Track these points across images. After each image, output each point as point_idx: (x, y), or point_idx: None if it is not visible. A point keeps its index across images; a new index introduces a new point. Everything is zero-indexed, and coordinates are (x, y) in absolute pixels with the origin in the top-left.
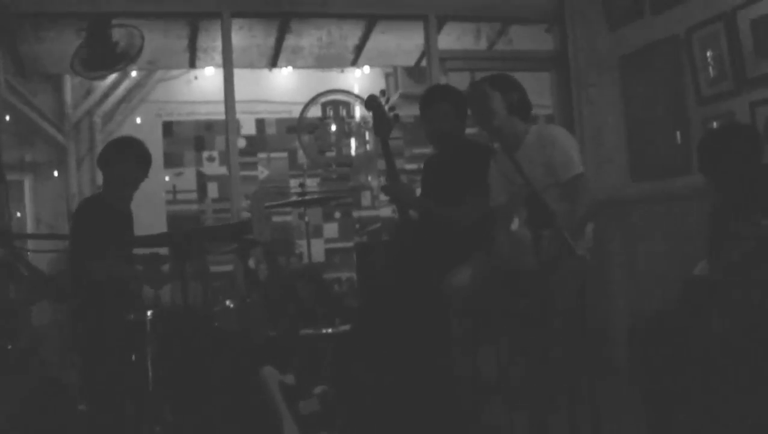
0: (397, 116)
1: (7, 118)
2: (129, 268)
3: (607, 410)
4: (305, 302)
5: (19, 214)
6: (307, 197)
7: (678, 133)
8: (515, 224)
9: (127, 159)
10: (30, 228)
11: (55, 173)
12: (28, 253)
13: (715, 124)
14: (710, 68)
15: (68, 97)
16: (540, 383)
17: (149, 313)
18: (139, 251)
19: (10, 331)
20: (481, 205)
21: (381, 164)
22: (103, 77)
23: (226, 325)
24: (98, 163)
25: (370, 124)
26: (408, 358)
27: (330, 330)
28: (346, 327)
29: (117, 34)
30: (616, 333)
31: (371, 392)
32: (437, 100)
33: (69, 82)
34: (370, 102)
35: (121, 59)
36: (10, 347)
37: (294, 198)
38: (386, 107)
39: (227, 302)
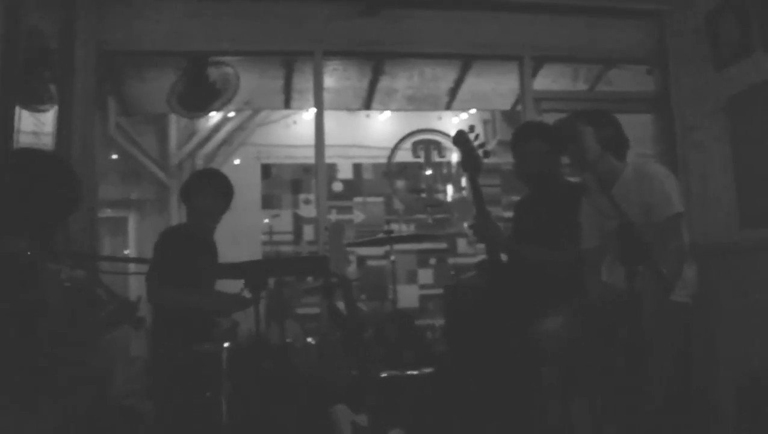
0: (487, 153)
1: (115, 156)
2: (200, 297)
3: None
4: (392, 345)
5: (127, 251)
6: (392, 235)
7: None
8: (606, 272)
9: (208, 191)
10: (133, 265)
11: (158, 211)
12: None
13: None
14: None
15: (172, 138)
16: None
17: (225, 345)
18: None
19: (84, 356)
20: (575, 248)
21: None
22: (199, 116)
23: (304, 361)
24: (181, 194)
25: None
26: (492, 405)
27: (412, 372)
28: (429, 370)
29: (213, 74)
30: (722, 390)
31: None
32: (529, 138)
33: (174, 124)
34: (459, 138)
35: (216, 98)
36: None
37: (380, 235)
38: (476, 143)
39: (308, 339)
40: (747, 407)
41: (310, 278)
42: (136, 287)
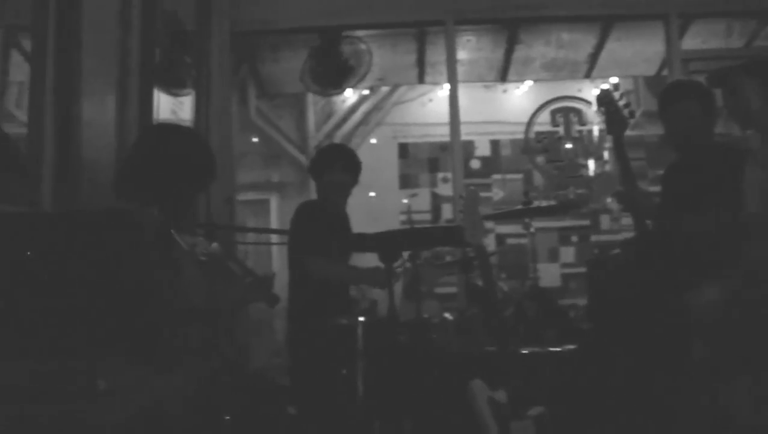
0: (632, 113)
1: (255, 140)
2: (346, 270)
3: None
4: (533, 322)
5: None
6: (532, 207)
7: None
8: None
9: (337, 166)
10: (275, 244)
11: (298, 193)
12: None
13: None
14: None
15: (311, 120)
16: None
17: (361, 319)
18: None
19: (224, 333)
20: (732, 216)
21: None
22: (334, 94)
23: (442, 337)
24: (310, 171)
25: (608, 142)
26: (638, 384)
27: (553, 349)
28: (571, 347)
29: (346, 51)
30: None
31: (591, 419)
32: (679, 98)
33: (311, 106)
34: (603, 97)
35: (350, 75)
36: (222, 348)
37: (518, 207)
38: (621, 103)
39: (446, 315)
40: None
41: (448, 257)
42: (279, 265)
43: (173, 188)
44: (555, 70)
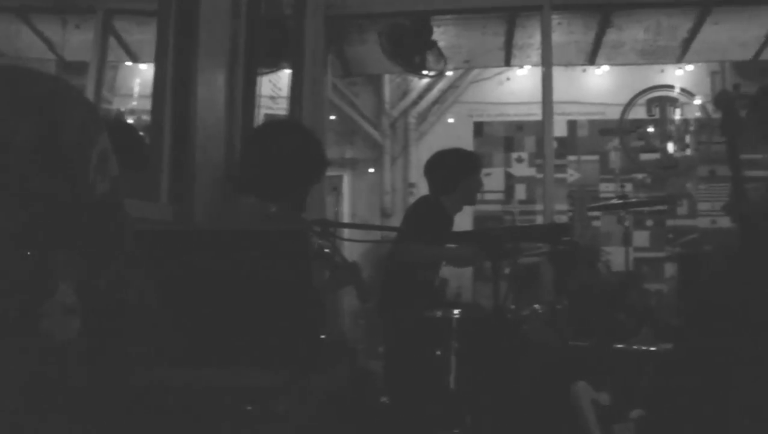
0: (750, 116)
1: (332, 117)
2: (440, 249)
3: None
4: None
5: (337, 209)
6: (630, 200)
7: None
8: None
9: (479, 171)
10: (346, 220)
11: (371, 170)
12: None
13: None
14: None
15: (387, 98)
16: None
17: (456, 312)
18: None
19: (322, 317)
20: None
21: (701, 171)
22: (419, 76)
23: (533, 330)
24: (453, 172)
25: (691, 126)
26: (737, 388)
27: (650, 348)
28: (667, 346)
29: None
30: None
31: (692, 423)
32: None
33: (387, 84)
34: (721, 98)
35: (436, 60)
36: (323, 337)
37: (615, 201)
38: (739, 105)
39: (536, 307)
40: None
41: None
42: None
43: (290, 185)
44: (646, 55)
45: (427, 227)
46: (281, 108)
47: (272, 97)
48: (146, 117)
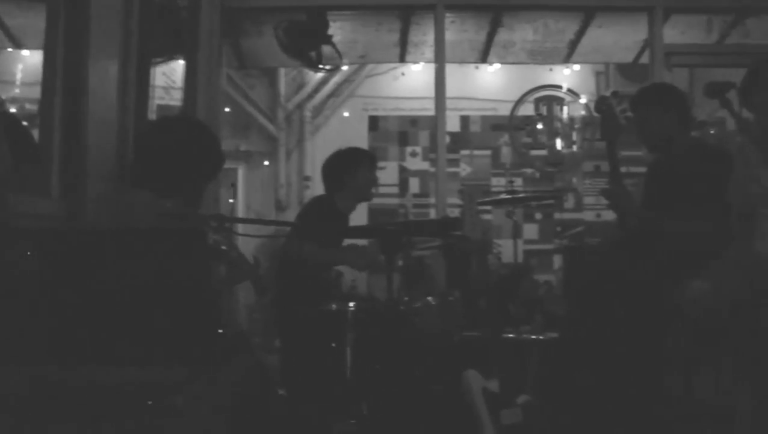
0: (627, 119)
1: (227, 109)
2: (339, 250)
3: None
4: (513, 306)
5: (231, 200)
6: (519, 196)
7: None
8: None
9: (370, 166)
10: (240, 214)
11: (266, 163)
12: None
13: None
14: None
15: (282, 91)
16: None
17: (351, 304)
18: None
19: (220, 313)
20: (716, 217)
21: (587, 166)
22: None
23: (425, 322)
24: (335, 170)
25: (577, 124)
26: (616, 373)
27: (537, 337)
28: (553, 334)
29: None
30: None
31: (575, 407)
32: (646, 104)
33: (283, 77)
34: (600, 104)
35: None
36: (221, 331)
37: (503, 196)
38: (618, 109)
39: (429, 299)
40: None
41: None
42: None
43: (186, 181)
44: (535, 55)
45: (321, 227)
46: (175, 99)
47: (166, 88)
48: (30, 106)
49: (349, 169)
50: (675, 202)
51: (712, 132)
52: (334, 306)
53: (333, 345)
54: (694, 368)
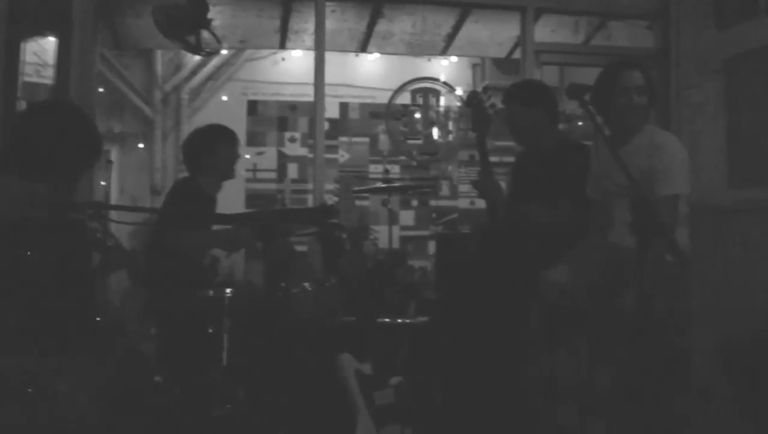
0: (497, 113)
1: (101, 90)
2: (210, 234)
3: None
4: (387, 291)
5: (104, 183)
6: (394, 184)
7: None
8: (614, 231)
9: (232, 143)
10: (114, 198)
11: (141, 146)
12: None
13: None
14: None
15: (159, 72)
16: (626, 393)
17: (228, 291)
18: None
19: (92, 300)
20: (576, 208)
21: (462, 155)
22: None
23: (302, 308)
24: (194, 149)
25: (453, 114)
26: (483, 355)
27: (408, 320)
28: (424, 319)
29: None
30: (703, 347)
31: (444, 387)
32: (513, 99)
33: (160, 58)
34: (471, 99)
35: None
36: (99, 319)
37: (379, 184)
38: (487, 104)
39: (306, 285)
40: (732, 365)
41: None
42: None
43: (60, 166)
44: (413, 47)
45: (188, 210)
46: (47, 77)
47: (36, 65)
48: None
49: (209, 147)
50: (540, 193)
51: (580, 124)
52: (210, 292)
53: (210, 330)
54: (554, 348)
